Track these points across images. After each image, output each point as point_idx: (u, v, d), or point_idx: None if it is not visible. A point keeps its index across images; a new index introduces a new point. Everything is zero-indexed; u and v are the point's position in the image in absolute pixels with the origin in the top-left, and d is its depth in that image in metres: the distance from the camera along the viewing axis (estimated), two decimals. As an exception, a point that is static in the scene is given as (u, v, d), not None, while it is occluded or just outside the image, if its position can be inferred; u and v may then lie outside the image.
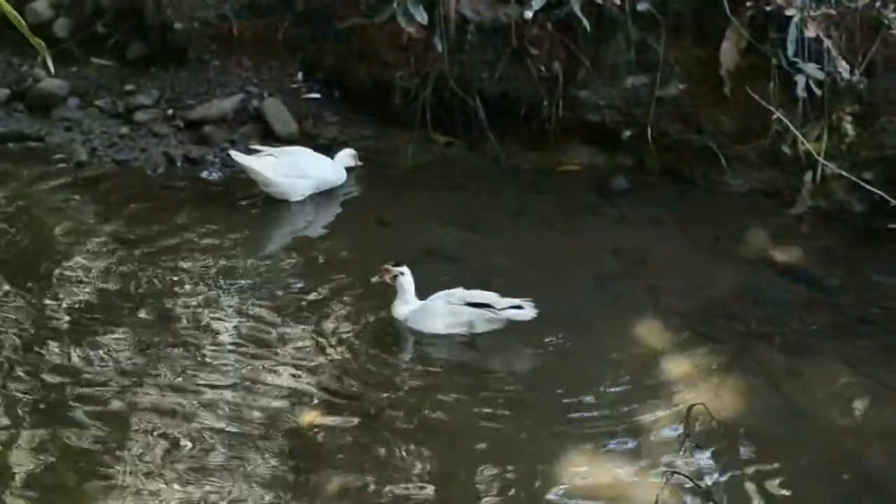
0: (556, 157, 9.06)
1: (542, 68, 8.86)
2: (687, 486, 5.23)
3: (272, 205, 8.35)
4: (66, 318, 6.61)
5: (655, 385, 6.10)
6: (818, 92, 8.14)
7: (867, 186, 8.02)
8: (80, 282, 7.03)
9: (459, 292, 6.52)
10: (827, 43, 8.14)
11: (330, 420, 5.71)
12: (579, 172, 8.98)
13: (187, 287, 7.02)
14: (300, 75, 9.75)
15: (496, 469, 5.35)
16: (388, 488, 5.20)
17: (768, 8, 8.25)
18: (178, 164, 9.00)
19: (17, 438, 5.47)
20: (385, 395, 5.94)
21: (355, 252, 7.63)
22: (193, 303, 6.83)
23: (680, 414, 5.75)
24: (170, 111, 9.56)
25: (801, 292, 7.23)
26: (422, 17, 8.59)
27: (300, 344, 6.41)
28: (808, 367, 6.32)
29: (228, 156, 8.47)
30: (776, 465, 5.44)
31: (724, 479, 5.36)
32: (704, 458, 5.48)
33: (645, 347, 6.47)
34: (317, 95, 9.63)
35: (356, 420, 5.71)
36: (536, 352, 6.43)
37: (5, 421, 5.59)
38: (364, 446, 5.51)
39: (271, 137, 9.12)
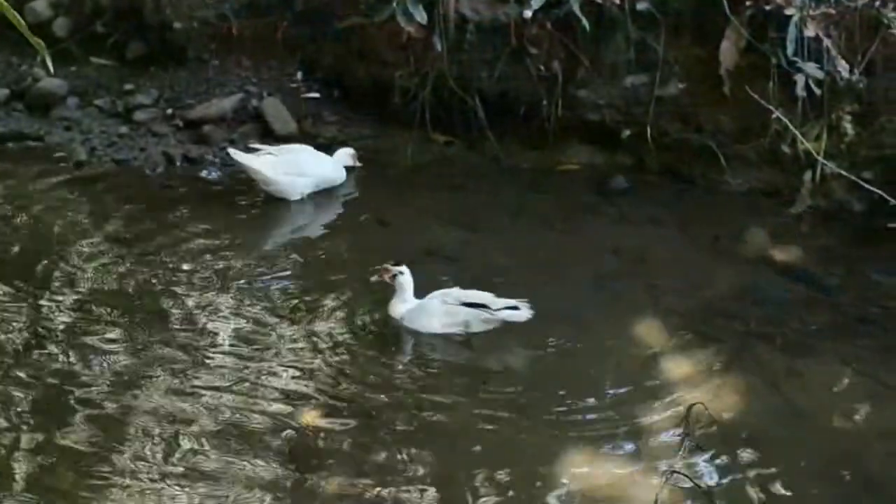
0: (555, 156, 9.06)
1: (542, 67, 8.86)
2: (686, 485, 5.23)
3: (272, 204, 8.34)
4: (64, 318, 6.60)
5: (655, 385, 6.09)
6: (818, 91, 8.14)
7: (867, 186, 8.03)
8: (79, 281, 7.01)
9: (455, 292, 6.52)
10: (826, 42, 8.14)
11: (329, 421, 5.69)
12: (579, 172, 8.98)
13: (186, 287, 7.01)
14: (299, 75, 9.75)
15: (496, 470, 5.34)
16: (387, 489, 5.18)
17: (768, 7, 8.25)
18: (178, 163, 8.99)
19: (15, 440, 5.44)
20: (384, 395, 5.94)
21: (355, 252, 7.63)
22: (192, 303, 6.83)
23: (679, 414, 5.75)
24: (169, 111, 9.55)
25: (801, 291, 7.24)
26: (421, 16, 8.59)
27: (299, 344, 6.41)
28: (807, 366, 6.32)
29: (227, 154, 8.47)
30: (776, 464, 5.44)
31: (723, 478, 5.36)
32: (704, 458, 5.47)
33: (644, 347, 6.47)
34: (316, 95, 9.62)
35: (355, 421, 5.71)
36: (535, 351, 6.43)
37: (2, 423, 5.57)
38: (363, 447, 5.50)
39: (270, 137, 9.10)
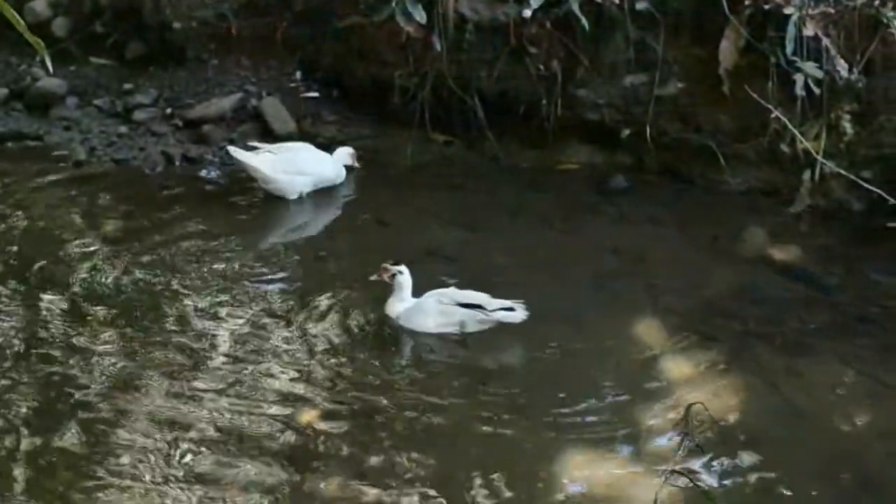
0: (554, 155, 9.06)
1: (541, 67, 8.85)
2: (686, 485, 5.23)
3: (271, 204, 8.34)
4: (62, 318, 6.59)
5: (654, 384, 6.09)
6: (817, 90, 8.13)
7: (866, 185, 8.03)
8: (77, 281, 7.00)
9: (451, 292, 6.53)
10: (825, 41, 8.13)
11: (328, 422, 5.68)
12: (578, 171, 8.98)
13: (184, 287, 7.00)
14: (299, 74, 9.75)
15: (495, 470, 5.33)
16: (387, 491, 5.18)
17: (767, 7, 8.24)
18: (177, 163, 8.99)
19: (12, 443, 5.42)
20: (384, 396, 5.92)
21: (354, 251, 7.62)
22: (190, 303, 6.81)
23: (679, 413, 5.76)
24: (168, 110, 9.55)
25: (800, 291, 7.23)
26: (420, 16, 8.59)
27: (297, 345, 6.40)
28: (806, 365, 6.32)
29: (227, 154, 8.46)
30: (775, 464, 5.44)
31: (722, 478, 5.36)
32: (703, 458, 5.47)
33: (644, 347, 6.47)
34: (315, 94, 9.62)
35: (354, 422, 5.70)
36: (534, 351, 6.42)
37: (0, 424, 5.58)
38: (363, 448, 5.50)
39: (270, 136, 9.09)
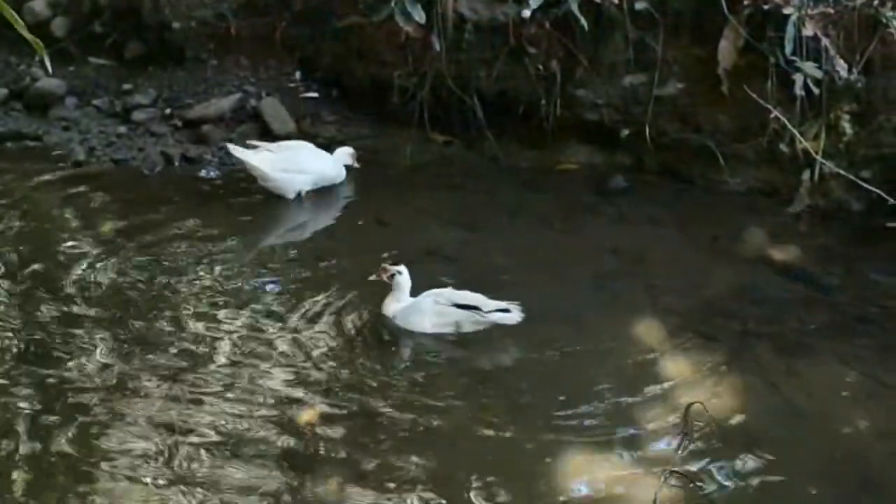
0: (554, 155, 9.06)
1: (540, 67, 8.86)
2: (685, 485, 5.23)
3: (270, 204, 8.33)
4: (60, 319, 6.57)
5: (654, 384, 6.09)
6: (816, 90, 8.13)
7: (865, 185, 8.03)
8: (75, 282, 6.99)
9: (447, 292, 6.52)
10: (825, 41, 8.13)
11: (327, 423, 5.67)
12: (577, 171, 8.98)
13: (183, 288, 6.99)
14: (298, 74, 9.75)
15: (495, 471, 5.33)
16: (386, 492, 5.18)
17: (766, 7, 8.24)
18: (176, 163, 8.98)
19: (10, 445, 5.40)
20: (383, 397, 5.91)
21: (353, 252, 7.61)
22: (188, 304, 6.80)
23: (678, 413, 5.75)
24: (167, 110, 9.55)
25: (800, 291, 7.23)
26: (420, 16, 8.59)
27: (296, 345, 6.38)
28: (806, 366, 6.32)
29: (227, 150, 8.45)
30: (775, 464, 5.44)
31: (722, 478, 5.36)
32: (703, 458, 5.47)
33: (643, 347, 6.47)
34: (315, 94, 9.62)
35: (354, 423, 5.69)
36: (534, 351, 6.41)
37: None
38: (362, 449, 5.49)
39: (269, 137, 9.07)
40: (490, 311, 6.40)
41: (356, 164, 8.72)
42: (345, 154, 8.67)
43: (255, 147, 8.36)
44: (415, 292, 6.58)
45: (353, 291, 6.91)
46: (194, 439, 5.51)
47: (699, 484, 5.26)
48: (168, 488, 5.15)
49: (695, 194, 8.61)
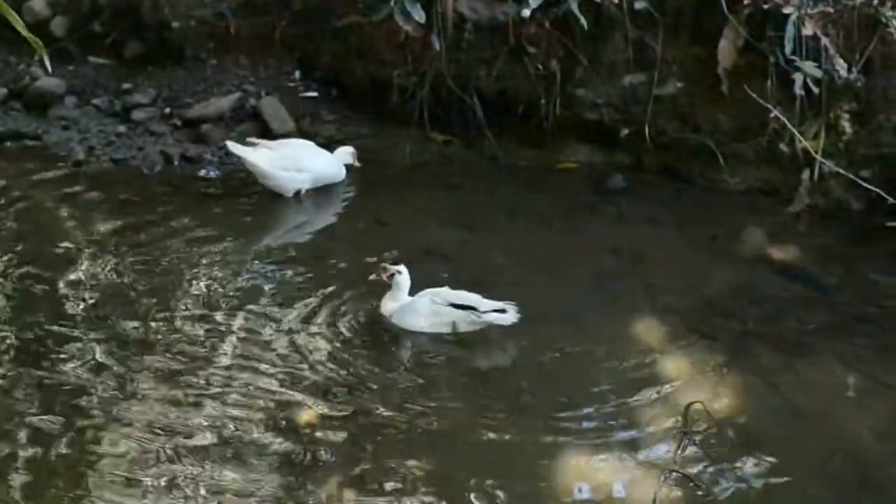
0: (553, 155, 9.06)
1: (540, 66, 8.86)
2: (685, 485, 5.23)
3: (270, 204, 8.33)
4: (58, 320, 6.55)
5: (653, 384, 6.08)
6: (816, 90, 8.14)
7: (865, 184, 8.03)
8: (74, 282, 6.99)
9: (444, 292, 6.52)
10: (824, 41, 8.14)
11: (326, 424, 5.66)
12: (577, 171, 8.99)
13: (182, 287, 6.99)
14: (297, 74, 9.75)
15: (495, 470, 5.33)
16: (385, 493, 5.17)
17: (766, 6, 8.25)
18: (176, 162, 8.98)
19: (7, 448, 5.39)
20: (383, 397, 5.90)
21: (353, 251, 7.61)
22: (187, 303, 6.80)
23: (678, 413, 5.75)
24: (167, 110, 9.55)
25: (799, 291, 7.23)
26: (419, 15, 8.59)
27: (295, 346, 6.36)
28: (805, 365, 6.32)
29: (226, 150, 8.44)
30: (774, 463, 5.43)
31: (722, 478, 5.35)
32: (702, 457, 5.47)
33: (643, 346, 6.47)
34: (314, 94, 9.63)
35: (353, 424, 5.67)
36: (533, 351, 6.40)
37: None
38: (361, 450, 5.47)
39: (269, 136, 9.05)
40: (486, 312, 6.40)
41: (357, 164, 8.72)
42: (346, 153, 8.67)
43: (254, 144, 8.35)
44: (413, 292, 6.58)
45: (352, 291, 6.91)
46: (192, 441, 5.49)
47: (699, 483, 5.25)
48: (166, 490, 5.14)
49: (694, 194, 8.61)
